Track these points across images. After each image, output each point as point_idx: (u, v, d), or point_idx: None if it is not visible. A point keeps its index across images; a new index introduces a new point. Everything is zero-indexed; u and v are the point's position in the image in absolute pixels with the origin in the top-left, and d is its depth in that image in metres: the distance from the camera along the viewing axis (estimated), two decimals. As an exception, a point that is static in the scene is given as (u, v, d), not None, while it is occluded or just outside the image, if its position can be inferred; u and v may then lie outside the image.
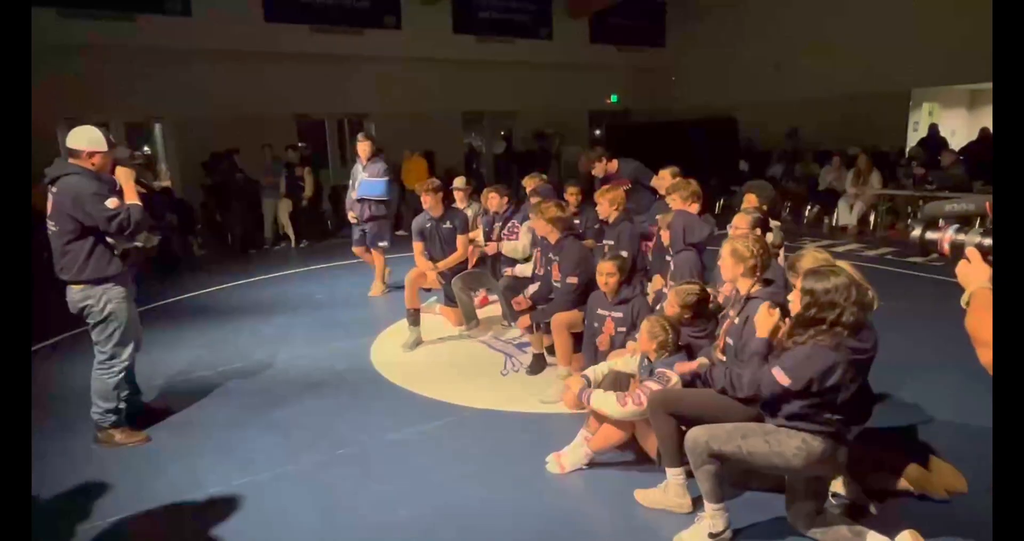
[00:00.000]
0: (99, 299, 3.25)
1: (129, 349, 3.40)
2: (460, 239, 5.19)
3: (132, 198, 3.20)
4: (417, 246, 5.25)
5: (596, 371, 3.36)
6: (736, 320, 2.76)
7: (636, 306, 3.75)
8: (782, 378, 2.26)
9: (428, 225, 5.22)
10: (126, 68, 9.80)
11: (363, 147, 6.28)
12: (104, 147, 3.21)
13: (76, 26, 9.04)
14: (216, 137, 9.91)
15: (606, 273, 3.77)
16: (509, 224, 5.39)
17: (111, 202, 3.10)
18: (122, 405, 3.47)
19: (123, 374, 3.40)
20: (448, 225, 5.19)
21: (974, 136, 10.51)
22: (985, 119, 11.24)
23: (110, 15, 9.35)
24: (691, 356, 3.00)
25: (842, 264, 2.47)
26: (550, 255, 4.41)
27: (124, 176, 3.24)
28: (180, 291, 6.99)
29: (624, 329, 3.73)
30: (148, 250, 3.56)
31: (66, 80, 8.74)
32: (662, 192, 5.24)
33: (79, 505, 2.92)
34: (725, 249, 2.83)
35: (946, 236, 1.54)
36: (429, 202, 5.13)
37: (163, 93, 10.18)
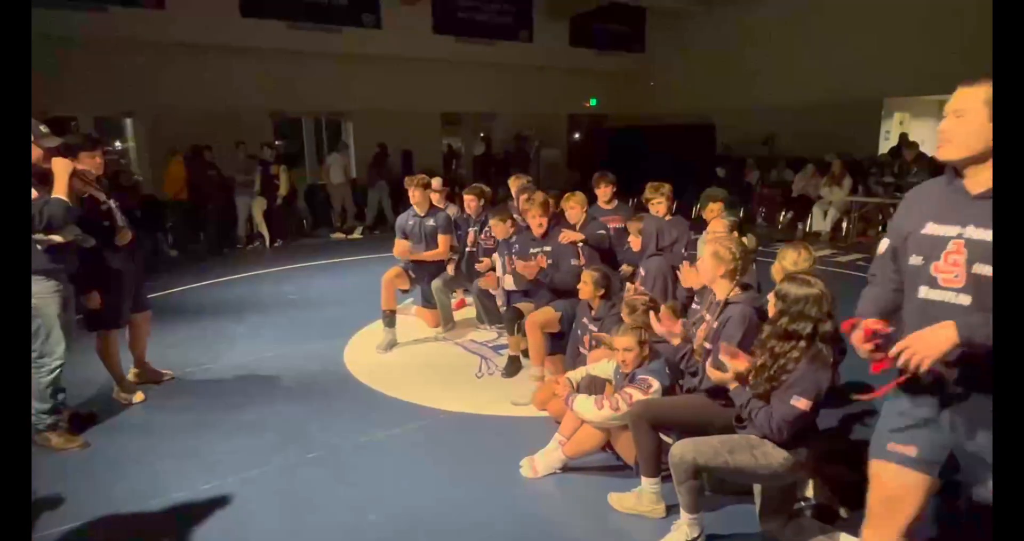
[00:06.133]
0: None
1: (61, 348, 3.24)
2: (442, 238, 5.14)
3: (58, 192, 3.03)
4: (398, 242, 5.20)
5: (573, 375, 3.34)
6: (715, 325, 2.75)
7: (608, 325, 3.63)
8: (803, 404, 2.22)
9: (411, 222, 5.18)
10: (98, 61, 9.56)
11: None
12: None
13: (45, 16, 8.76)
14: (190, 133, 9.71)
15: (582, 281, 3.76)
16: (486, 229, 5.35)
17: None
18: (62, 407, 3.35)
19: (57, 373, 3.25)
20: (431, 223, 5.14)
21: (943, 146, 10.75)
22: (953, 130, 11.50)
23: (81, 6, 9.11)
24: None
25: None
26: (531, 249, 4.40)
27: (59, 168, 3.07)
28: (149, 290, 6.81)
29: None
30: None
31: (33, 72, 8.49)
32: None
33: (34, 510, 2.79)
34: (706, 251, 2.83)
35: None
36: (417, 198, 5.09)
37: (135, 87, 9.95)
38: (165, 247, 9.10)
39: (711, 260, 2.77)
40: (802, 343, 2.25)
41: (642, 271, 4.32)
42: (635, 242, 4.53)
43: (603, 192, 5.27)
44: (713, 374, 2.47)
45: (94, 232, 3.50)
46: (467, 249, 5.43)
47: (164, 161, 9.38)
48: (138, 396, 3.99)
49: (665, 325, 2.80)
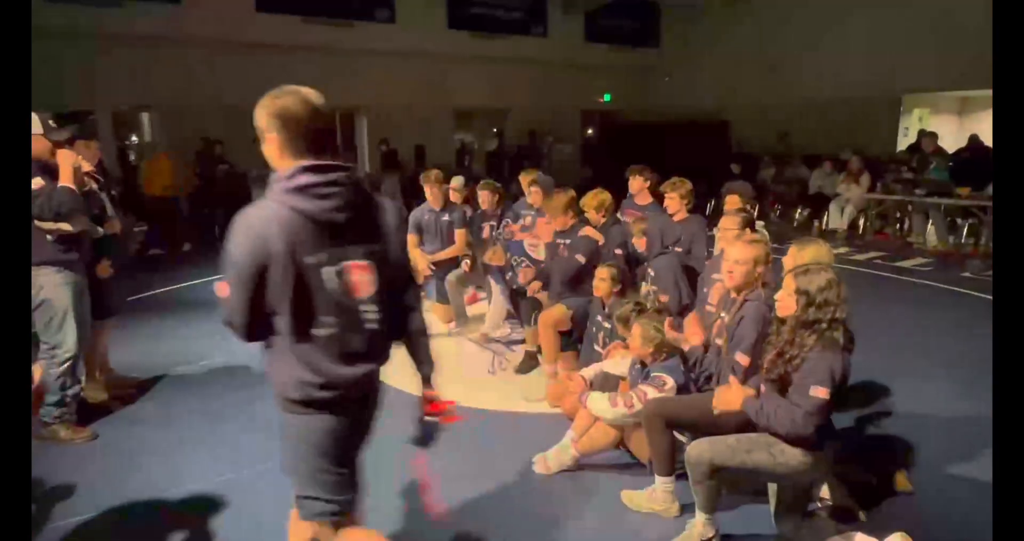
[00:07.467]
0: (33, 283, 3.06)
1: (73, 340, 3.21)
2: (458, 233, 5.13)
3: (65, 180, 3.03)
4: (412, 239, 5.16)
5: (587, 372, 3.33)
6: (728, 321, 2.73)
7: None
8: (822, 392, 2.16)
9: (427, 217, 5.16)
10: (114, 55, 9.65)
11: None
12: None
13: (61, 12, 8.87)
14: (206, 127, 9.78)
15: (599, 277, 3.74)
16: (503, 222, 5.33)
17: (32, 183, 2.91)
18: (69, 400, 3.33)
19: (68, 365, 3.23)
20: (447, 218, 5.13)
21: (963, 142, 10.58)
22: (975, 126, 11.32)
23: (99, 0, 9.18)
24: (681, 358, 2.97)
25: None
26: (555, 240, 4.41)
27: (63, 158, 3.08)
28: (164, 283, 6.88)
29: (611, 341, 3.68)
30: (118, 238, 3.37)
31: (50, 67, 8.57)
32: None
33: (49, 501, 2.84)
34: (745, 253, 2.77)
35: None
36: (433, 193, 5.08)
37: (152, 82, 10.04)
38: (181, 240, 9.16)
39: (751, 266, 2.72)
40: (823, 325, 2.22)
41: (651, 271, 4.29)
42: (639, 242, 4.49)
43: (633, 184, 5.16)
44: (722, 404, 2.42)
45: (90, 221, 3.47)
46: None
47: (154, 157, 9.20)
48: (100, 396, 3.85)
49: (692, 330, 2.80)
